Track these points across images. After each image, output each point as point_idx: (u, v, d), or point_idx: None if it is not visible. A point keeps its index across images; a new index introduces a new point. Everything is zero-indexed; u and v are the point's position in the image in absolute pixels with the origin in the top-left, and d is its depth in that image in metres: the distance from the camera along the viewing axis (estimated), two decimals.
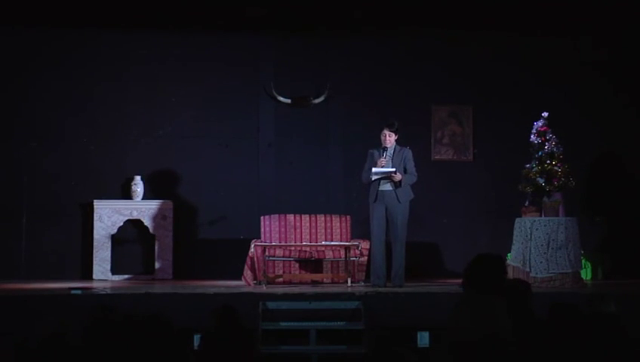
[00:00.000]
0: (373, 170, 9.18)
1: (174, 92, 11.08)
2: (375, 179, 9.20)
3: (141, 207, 10.70)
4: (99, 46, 10.95)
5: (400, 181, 9.19)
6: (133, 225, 10.79)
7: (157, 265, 10.63)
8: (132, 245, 10.84)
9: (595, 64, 11.04)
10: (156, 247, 10.65)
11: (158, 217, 10.67)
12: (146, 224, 10.68)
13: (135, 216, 10.68)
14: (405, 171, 9.29)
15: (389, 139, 9.32)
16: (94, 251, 10.54)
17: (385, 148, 9.30)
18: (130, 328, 4.62)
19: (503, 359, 4.30)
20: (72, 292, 8.25)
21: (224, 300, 7.45)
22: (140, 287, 9.30)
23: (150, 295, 8.34)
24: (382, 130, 9.32)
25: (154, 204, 10.71)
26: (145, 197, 10.78)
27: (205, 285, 9.46)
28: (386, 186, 9.25)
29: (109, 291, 8.81)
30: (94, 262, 10.52)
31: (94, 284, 9.75)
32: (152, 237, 10.69)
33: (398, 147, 9.37)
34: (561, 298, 6.61)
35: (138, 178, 10.78)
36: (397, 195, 9.23)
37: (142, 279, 10.52)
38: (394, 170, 9.18)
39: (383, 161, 9.21)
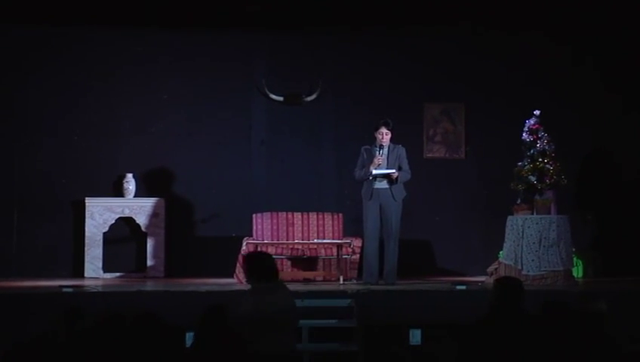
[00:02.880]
0: (374, 171, 9.18)
1: (166, 89, 11.06)
2: (370, 177, 9.22)
3: (133, 205, 10.68)
4: (91, 43, 10.91)
5: (396, 178, 9.21)
6: (125, 223, 10.77)
7: (149, 262, 10.61)
8: (124, 243, 10.81)
9: (587, 62, 11.05)
10: (148, 245, 10.63)
11: (150, 215, 10.65)
12: (138, 222, 10.66)
13: (127, 213, 10.66)
14: (400, 169, 9.31)
15: (387, 137, 9.32)
16: (86, 249, 10.52)
17: (381, 147, 9.30)
18: (109, 328, 4.62)
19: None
20: (64, 290, 8.23)
21: (216, 298, 7.43)
22: (132, 285, 9.30)
23: (142, 293, 8.34)
24: (377, 128, 9.31)
25: (146, 202, 10.69)
26: (137, 195, 10.76)
27: (197, 283, 9.46)
28: (382, 184, 9.27)
29: (100, 289, 8.79)
30: (86, 260, 10.49)
31: (86, 282, 9.74)
32: (144, 234, 10.67)
33: (391, 145, 9.38)
34: (552, 296, 6.63)
35: (130, 175, 10.76)
36: (392, 193, 9.25)
37: (134, 277, 10.51)
38: (394, 170, 9.20)
39: (380, 159, 9.22)
